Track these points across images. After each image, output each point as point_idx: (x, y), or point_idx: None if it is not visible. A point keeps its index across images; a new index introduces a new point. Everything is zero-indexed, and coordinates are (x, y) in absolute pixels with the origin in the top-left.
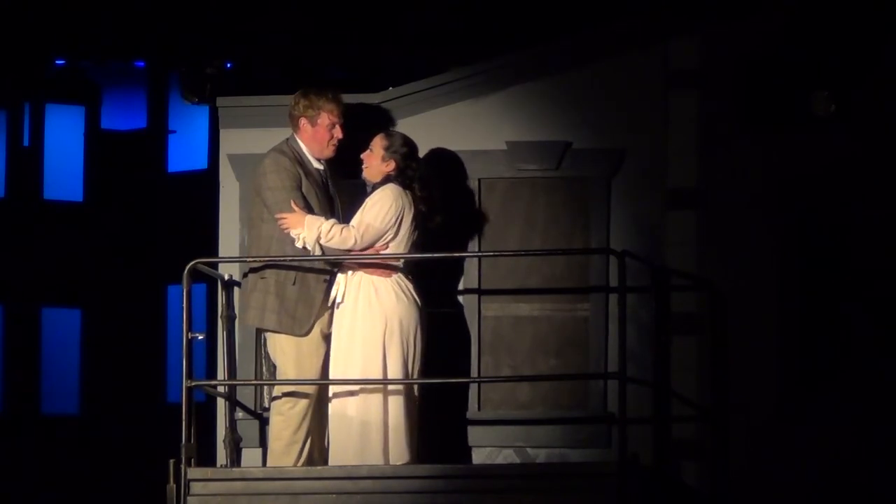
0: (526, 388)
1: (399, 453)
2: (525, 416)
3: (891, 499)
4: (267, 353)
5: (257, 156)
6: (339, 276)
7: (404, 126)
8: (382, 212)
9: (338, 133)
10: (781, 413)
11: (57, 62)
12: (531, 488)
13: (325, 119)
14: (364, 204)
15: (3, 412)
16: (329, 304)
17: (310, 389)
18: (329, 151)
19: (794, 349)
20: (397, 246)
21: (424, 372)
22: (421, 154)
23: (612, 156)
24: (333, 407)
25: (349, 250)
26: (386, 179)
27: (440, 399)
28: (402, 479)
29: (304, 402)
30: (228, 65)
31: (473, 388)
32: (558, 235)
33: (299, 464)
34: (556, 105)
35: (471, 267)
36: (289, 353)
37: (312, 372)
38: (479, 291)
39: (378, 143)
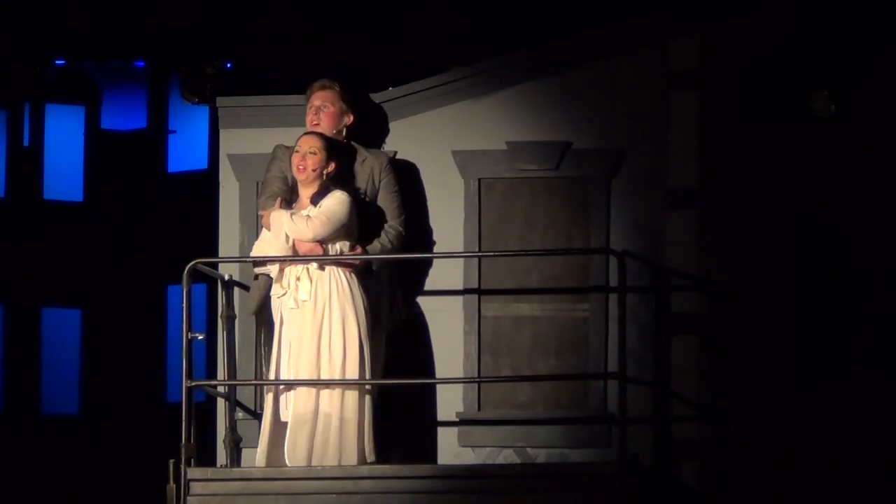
0: (526, 388)
1: (369, 450)
2: (525, 416)
3: (891, 499)
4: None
5: (257, 156)
6: (302, 273)
7: (404, 126)
8: (341, 213)
9: (313, 111)
10: (781, 413)
11: (57, 62)
12: (531, 488)
13: (308, 108)
14: (322, 203)
15: (3, 412)
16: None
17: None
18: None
19: (794, 349)
20: (343, 244)
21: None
22: (420, 154)
23: (612, 156)
24: (313, 407)
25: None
26: (327, 185)
27: (434, 399)
28: (402, 479)
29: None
30: (228, 65)
31: (473, 389)
32: (558, 235)
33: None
34: (556, 105)
35: (471, 267)
36: None
37: None
38: (479, 291)
39: (319, 146)
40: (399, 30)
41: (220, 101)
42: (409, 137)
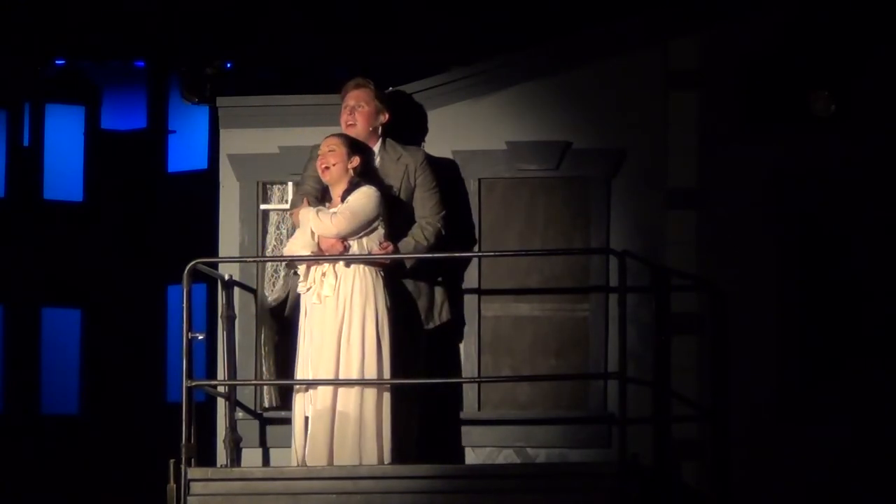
0: (526, 388)
1: (388, 451)
2: (525, 416)
3: (891, 499)
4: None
5: (257, 156)
6: (327, 269)
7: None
8: (367, 209)
9: (347, 111)
10: (781, 413)
11: (57, 62)
12: (531, 488)
13: (343, 108)
14: (348, 199)
15: (3, 412)
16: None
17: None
18: (349, 131)
19: (794, 349)
20: (371, 241)
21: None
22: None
23: (612, 156)
24: (329, 406)
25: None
26: (356, 181)
27: (439, 399)
28: (402, 479)
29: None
30: (228, 65)
31: (473, 388)
32: (558, 235)
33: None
34: (556, 105)
35: (471, 267)
36: None
37: None
38: (479, 291)
39: (338, 142)
40: (399, 30)
41: (220, 101)
42: None
